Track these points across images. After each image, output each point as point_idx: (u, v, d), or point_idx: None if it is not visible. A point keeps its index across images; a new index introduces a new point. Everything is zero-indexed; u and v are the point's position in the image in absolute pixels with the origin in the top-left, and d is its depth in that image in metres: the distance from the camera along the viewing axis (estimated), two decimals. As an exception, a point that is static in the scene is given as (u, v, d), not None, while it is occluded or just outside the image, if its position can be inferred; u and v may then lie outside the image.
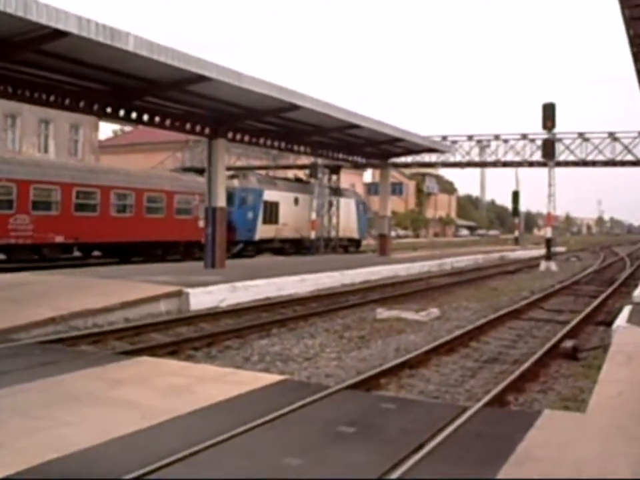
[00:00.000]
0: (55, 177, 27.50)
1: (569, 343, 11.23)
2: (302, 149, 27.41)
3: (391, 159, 34.60)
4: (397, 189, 40.23)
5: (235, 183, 38.24)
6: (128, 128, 75.99)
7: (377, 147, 30.38)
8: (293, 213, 41.03)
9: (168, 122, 20.77)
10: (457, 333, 12.92)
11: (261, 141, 24.88)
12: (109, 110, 18.89)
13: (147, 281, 17.58)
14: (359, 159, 32.56)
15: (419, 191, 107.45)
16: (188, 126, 21.52)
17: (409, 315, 15.08)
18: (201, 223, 31.29)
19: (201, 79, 17.22)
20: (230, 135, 23.14)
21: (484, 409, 7.37)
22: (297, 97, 20.06)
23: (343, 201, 46.44)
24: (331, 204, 43.03)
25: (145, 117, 20.05)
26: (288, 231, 40.61)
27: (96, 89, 18.24)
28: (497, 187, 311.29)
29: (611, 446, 5.95)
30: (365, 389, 8.59)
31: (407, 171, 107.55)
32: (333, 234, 42.84)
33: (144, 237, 30.63)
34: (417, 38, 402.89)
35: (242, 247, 37.41)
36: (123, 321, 14.08)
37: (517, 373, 9.46)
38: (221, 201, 22.29)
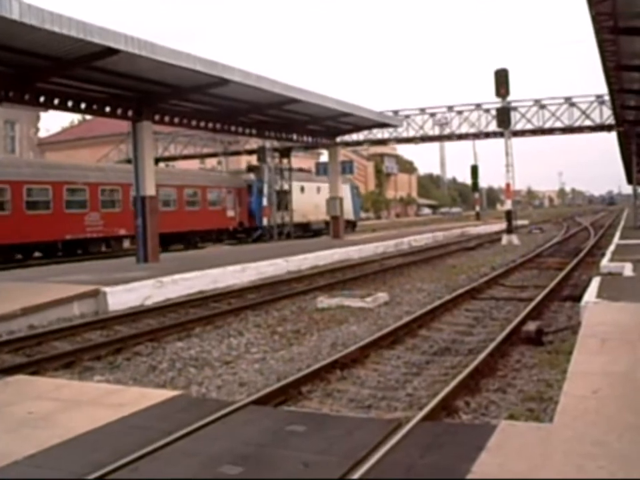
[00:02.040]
0: (116, 179, 31.36)
1: (531, 326, 9.63)
2: (240, 129, 25.42)
3: (340, 136, 32.85)
4: (347, 167, 38.28)
5: (252, 176, 42.21)
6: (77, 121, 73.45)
7: (322, 124, 28.54)
8: (300, 200, 43.65)
9: (83, 106, 18.77)
10: (405, 319, 11.27)
11: (193, 122, 22.92)
12: (11, 94, 16.84)
13: (64, 282, 15.73)
14: (305, 138, 30.57)
15: (378, 171, 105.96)
16: (108, 109, 19.53)
17: (353, 302, 13.38)
18: (229, 213, 38.87)
19: (109, 52, 15.30)
20: (157, 117, 21.19)
21: (423, 424, 5.69)
22: (224, 70, 18.20)
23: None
24: (283, 190, 40.95)
25: (56, 101, 18.05)
26: (297, 217, 43.15)
27: (-8, 70, 16.23)
28: (457, 165, 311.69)
29: (587, 473, 4.29)
30: (277, 403, 6.87)
31: (365, 152, 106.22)
32: (286, 219, 40.97)
33: (185, 228, 34.79)
34: (361, 7, 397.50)
35: (260, 232, 40.56)
36: (27, 329, 12.25)
37: (471, 367, 7.82)
38: (150, 189, 20.35)
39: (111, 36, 14.82)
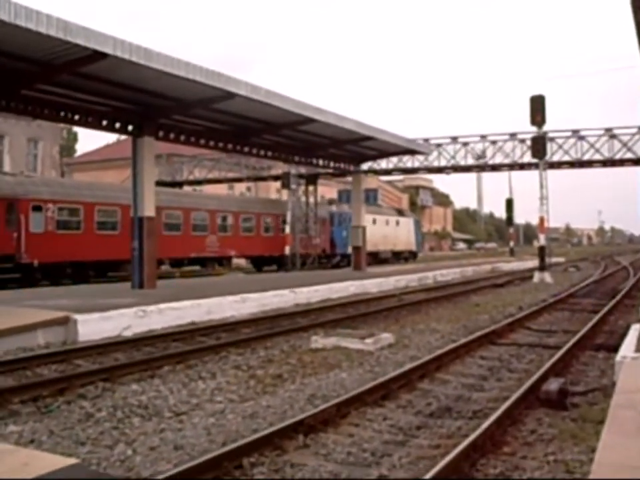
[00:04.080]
0: (229, 207, 36.61)
1: (553, 384, 7.77)
2: (254, 150, 23.83)
3: (365, 163, 31.14)
4: (370, 196, 36.65)
5: (334, 207, 46.11)
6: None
7: (343, 149, 26.82)
8: (371, 231, 45.12)
9: (77, 117, 17.37)
10: (406, 367, 9.49)
11: (202, 141, 21.37)
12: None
13: (39, 306, 14.20)
14: (327, 164, 28.86)
15: (412, 204, 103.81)
16: (105, 122, 18.11)
17: (351, 343, 11.63)
18: (315, 240, 41.49)
19: (97, 56, 13.87)
20: (161, 133, 19.71)
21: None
22: (228, 82, 16.68)
23: (404, 219, 54.63)
24: (307, 218, 41.48)
25: (46, 111, 16.69)
26: (369, 246, 44.73)
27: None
28: (495, 200, 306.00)
29: None
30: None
31: (400, 184, 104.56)
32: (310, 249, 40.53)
33: (279, 252, 38.27)
34: (393, 36, 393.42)
35: (339, 258, 43.84)
36: (-24, 360, 10.72)
37: (471, 438, 6.04)
38: (149, 210, 18.82)
39: (96, 37, 13.36)
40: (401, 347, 11.97)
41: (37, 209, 25.33)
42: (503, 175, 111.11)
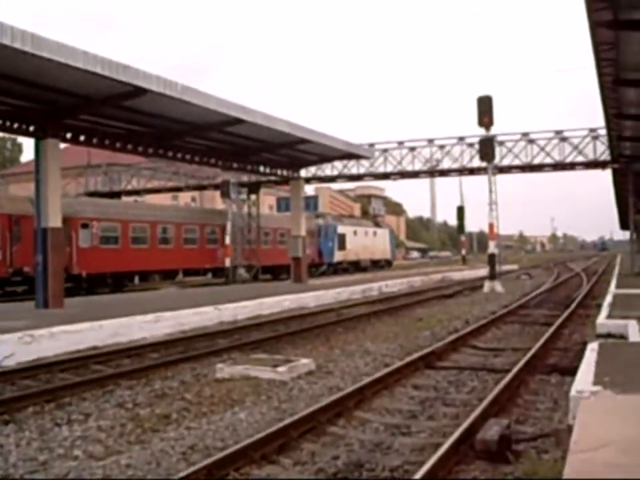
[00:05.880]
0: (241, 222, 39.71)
1: (493, 429, 6.08)
2: (179, 155, 21.85)
3: (304, 168, 29.29)
4: (310, 202, 34.96)
5: (320, 220, 49.61)
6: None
7: (278, 153, 24.91)
8: (352, 242, 52.02)
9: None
10: (320, 404, 7.75)
11: (118, 144, 19.37)
12: None
13: None
14: (262, 169, 26.95)
15: (364, 213, 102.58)
16: (0, 122, 16.13)
17: (262, 372, 9.85)
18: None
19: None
20: (69, 135, 17.76)
21: None
22: (138, 76, 14.86)
23: (381, 231, 59.95)
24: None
25: None
26: (351, 255, 51.57)
27: None
28: (449, 209, 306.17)
29: None
30: None
31: (352, 194, 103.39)
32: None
33: (276, 262, 40.98)
34: (337, 39, 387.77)
35: (326, 267, 47.39)
36: None
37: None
38: (54, 220, 16.80)
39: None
40: (322, 375, 10.22)
41: (85, 226, 28.72)
42: (456, 184, 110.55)
